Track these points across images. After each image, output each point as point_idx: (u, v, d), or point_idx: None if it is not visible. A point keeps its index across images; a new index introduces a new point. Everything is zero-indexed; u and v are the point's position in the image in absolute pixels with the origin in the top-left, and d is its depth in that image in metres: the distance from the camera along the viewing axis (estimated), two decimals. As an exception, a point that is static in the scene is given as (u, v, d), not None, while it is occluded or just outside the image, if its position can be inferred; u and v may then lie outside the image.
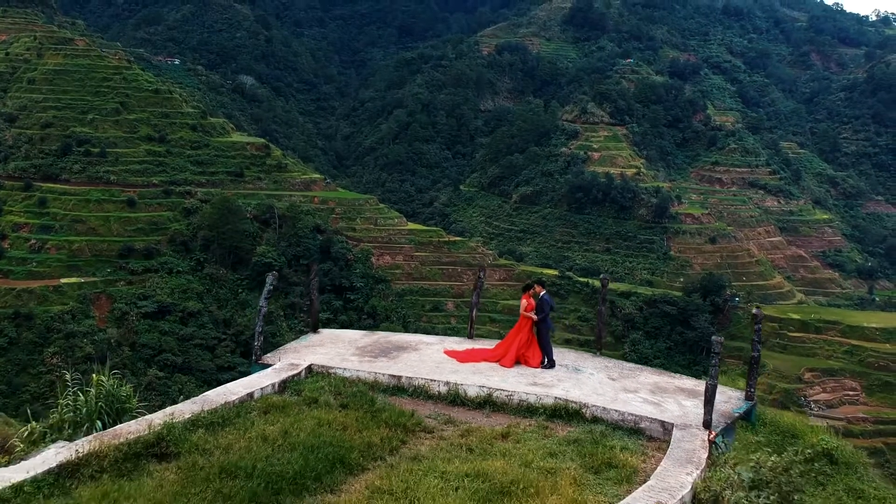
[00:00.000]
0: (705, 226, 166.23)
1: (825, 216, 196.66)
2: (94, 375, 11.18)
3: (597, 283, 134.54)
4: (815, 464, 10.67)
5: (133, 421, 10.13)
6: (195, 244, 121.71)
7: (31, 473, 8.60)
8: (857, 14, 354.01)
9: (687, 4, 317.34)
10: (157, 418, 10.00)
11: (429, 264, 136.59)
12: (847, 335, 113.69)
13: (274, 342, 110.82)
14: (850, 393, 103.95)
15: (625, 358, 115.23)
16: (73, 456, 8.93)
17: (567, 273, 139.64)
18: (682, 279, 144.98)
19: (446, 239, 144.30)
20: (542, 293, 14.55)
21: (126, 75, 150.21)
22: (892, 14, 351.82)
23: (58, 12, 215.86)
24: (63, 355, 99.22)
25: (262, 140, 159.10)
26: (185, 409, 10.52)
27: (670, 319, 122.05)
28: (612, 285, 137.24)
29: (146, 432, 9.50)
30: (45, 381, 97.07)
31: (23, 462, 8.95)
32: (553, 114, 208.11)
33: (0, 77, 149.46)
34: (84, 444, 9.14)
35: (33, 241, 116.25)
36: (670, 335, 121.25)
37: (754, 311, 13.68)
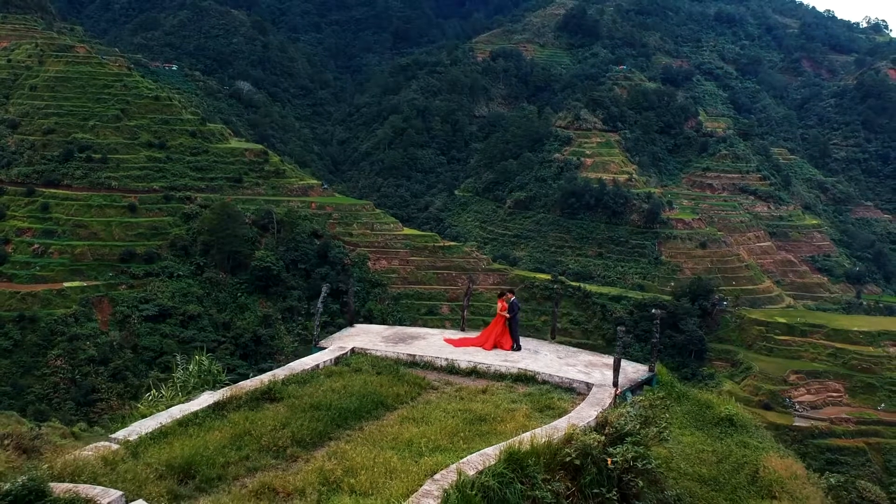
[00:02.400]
0: (696, 231, 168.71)
1: (814, 221, 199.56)
2: (196, 356, 14.57)
3: (589, 288, 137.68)
4: (719, 426, 14.89)
5: (248, 380, 14.29)
6: (195, 249, 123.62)
7: (200, 406, 13.03)
8: (849, 21, 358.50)
9: (680, 11, 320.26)
10: (265, 378, 14.39)
11: (424, 269, 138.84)
12: (832, 338, 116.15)
13: (272, 345, 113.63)
14: (834, 394, 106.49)
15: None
16: (221, 397, 13.19)
17: (560, 277, 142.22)
18: (672, 283, 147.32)
19: (441, 244, 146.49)
20: (512, 298, 19.48)
21: (126, 82, 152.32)
22: (883, 21, 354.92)
23: (57, 18, 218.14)
24: (67, 357, 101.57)
25: (260, 146, 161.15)
26: (279, 373, 15.09)
27: (660, 323, 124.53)
28: (603, 289, 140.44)
29: (260, 385, 13.92)
30: (49, 382, 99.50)
31: (191, 401, 13.07)
32: (546, 120, 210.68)
33: (2, 84, 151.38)
34: (225, 392, 13.48)
35: (36, 246, 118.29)
36: (660, 338, 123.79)
37: (654, 311, 17.54)
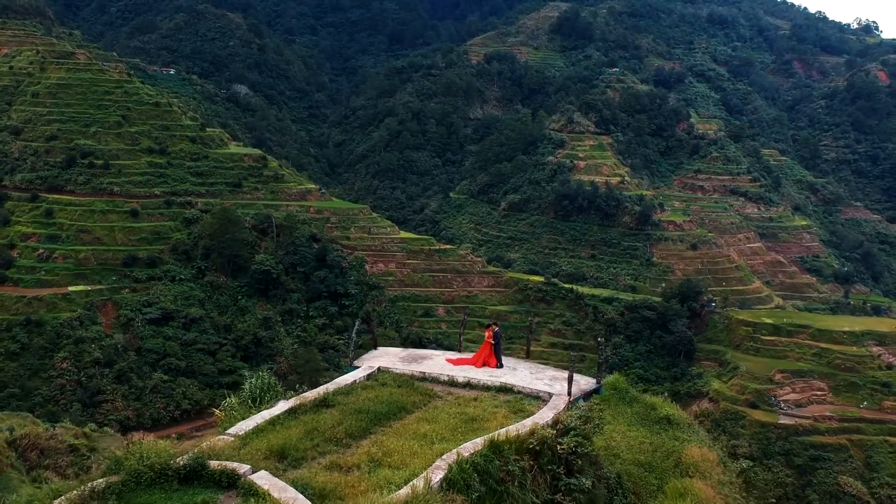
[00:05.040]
0: (687, 232, 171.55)
1: (804, 222, 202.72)
2: (260, 373, 18.38)
3: (581, 289, 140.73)
4: (658, 424, 19.34)
5: (309, 392, 18.46)
6: (196, 253, 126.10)
7: (278, 411, 16.91)
8: (840, 22, 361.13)
9: (672, 13, 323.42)
10: (320, 391, 18.56)
11: (420, 271, 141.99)
12: (816, 338, 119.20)
13: (272, 347, 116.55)
14: (818, 393, 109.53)
15: (607, 361, 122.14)
16: (293, 404, 17.21)
17: (553, 280, 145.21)
18: (663, 284, 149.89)
19: (437, 247, 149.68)
20: (496, 329, 23.87)
21: (127, 89, 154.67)
22: (874, 22, 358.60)
23: (55, 23, 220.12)
24: (72, 360, 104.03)
25: (259, 151, 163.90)
26: (330, 387, 19.16)
27: (650, 324, 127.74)
28: (595, 291, 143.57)
29: (318, 396, 18.04)
30: (56, 384, 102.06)
31: (272, 408, 17.05)
32: (540, 123, 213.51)
33: (4, 90, 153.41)
34: (295, 400, 17.51)
35: (41, 251, 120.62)
36: (650, 339, 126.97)
37: (599, 338, 22.23)
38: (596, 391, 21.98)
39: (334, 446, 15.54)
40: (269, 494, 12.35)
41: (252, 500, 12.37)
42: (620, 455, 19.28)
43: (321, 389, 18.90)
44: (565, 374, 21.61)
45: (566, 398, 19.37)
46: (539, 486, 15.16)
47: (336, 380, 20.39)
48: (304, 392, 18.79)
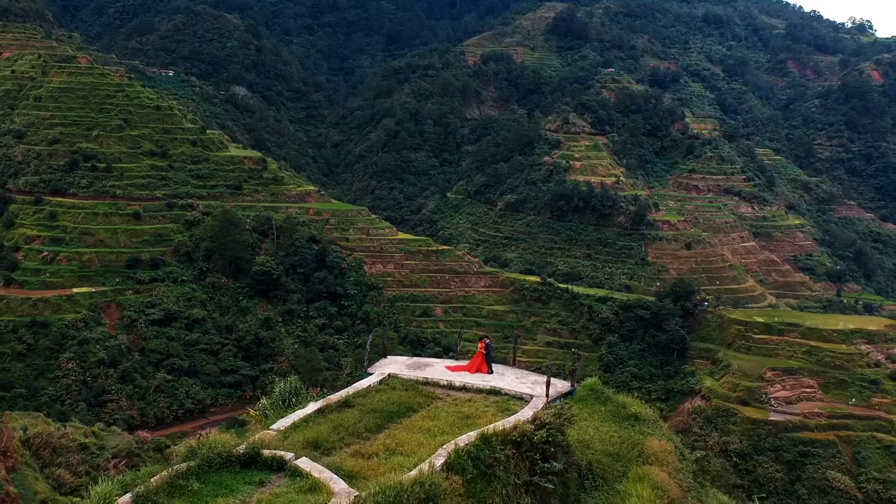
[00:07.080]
0: (681, 232, 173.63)
1: (797, 221, 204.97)
2: (288, 378, 21.07)
3: (576, 289, 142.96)
4: (627, 421, 22.32)
5: (333, 394, 21.16)
6: (198, 255, 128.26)
7: (310, 411, 19.58)
8: (834, 21, 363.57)
9: (667, 13, 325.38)
10: (342, 394, 21.24)
11: (418, 272, 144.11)
12: (807, 337, 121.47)
13: (273, 346, 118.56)
14: (808, 390, 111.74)
15: (601, 359, 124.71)
16: (321, 405, 19.78)
17: (548, 279, 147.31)
18: (658, 283, 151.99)
19: (435, 248, 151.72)
20: (487, 341, 26.84)
21: (128, 92, 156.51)
22: (868, 21, 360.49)
23: (55, 26, 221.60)
24: (77, 361, 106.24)
25: (259, 154, 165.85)
26: (350, 390, 21.86)
27: (644, 323, 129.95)
28: (590, 290, 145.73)
29: (340, 398, 20.71)
30: (62, 384, 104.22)
31: (304, 409, 19.70)
32: (536, 123, 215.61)
33: (7, 94, 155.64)
34: (322, 401, 20.05)
35: (45, 253, 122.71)
36: (644, 338, 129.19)
37: (574, 351, 25.20)
38: (570, 393, 25.16)
39: (356, 439, 18.36)
40: (311, 475, 15.25)
41: (298, 479, 15.34)
42: (592, 446, 22.49)
43: (342, 393, 21.96)
44: (545, 378, 24.50)
45: (544, 399, 22.36)
46: (520, 470, 18.21)
47: (354, 385, 23.52)
48: (326, 395, 21.68)
